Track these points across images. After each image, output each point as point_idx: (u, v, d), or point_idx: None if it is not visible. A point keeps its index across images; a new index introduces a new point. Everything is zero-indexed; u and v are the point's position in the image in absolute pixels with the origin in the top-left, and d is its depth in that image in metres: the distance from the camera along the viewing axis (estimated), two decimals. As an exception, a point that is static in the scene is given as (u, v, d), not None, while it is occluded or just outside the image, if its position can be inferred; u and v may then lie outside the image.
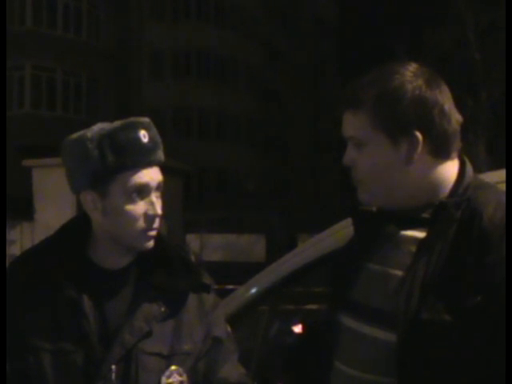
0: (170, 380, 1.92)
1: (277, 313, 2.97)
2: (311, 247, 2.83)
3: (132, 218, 1.90)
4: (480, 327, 1.63)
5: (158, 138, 1.96)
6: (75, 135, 1.92)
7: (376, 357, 1.76)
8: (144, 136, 1.90)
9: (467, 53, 24.45)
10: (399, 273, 1.76)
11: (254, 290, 2.86)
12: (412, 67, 1.83)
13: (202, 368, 2.00)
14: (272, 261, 3.03)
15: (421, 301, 1.68)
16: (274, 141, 45.03)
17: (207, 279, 2.05)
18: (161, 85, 40.23)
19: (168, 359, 1.93)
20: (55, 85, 34.07)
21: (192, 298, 2.01)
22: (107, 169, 1.86)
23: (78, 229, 2.01)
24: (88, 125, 1.93)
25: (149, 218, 1.92)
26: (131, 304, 1.93)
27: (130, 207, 1.89)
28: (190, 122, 40.62)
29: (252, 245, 24.50)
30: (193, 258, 2.15)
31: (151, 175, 1.91)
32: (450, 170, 1.84)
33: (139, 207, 1.90)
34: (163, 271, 1.98)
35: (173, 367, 1.93)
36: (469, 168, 1.86)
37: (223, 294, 2.68)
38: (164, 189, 1.97)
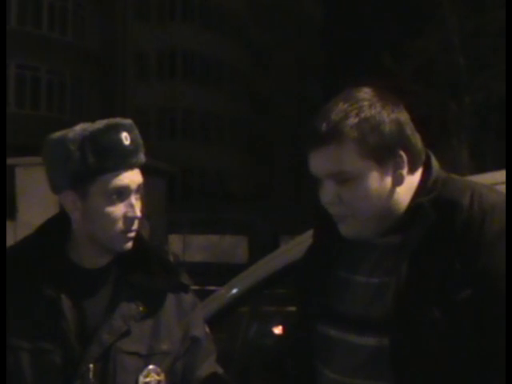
0: (148, 379, 1.93)
1: (257, 314, 2.98)
2: (293, 249, 2.83)
3: (111, 220, 1.91)
4: (470, 320, 1.64)
5: (140, 140, 1.96)
6: (56, 135, 1.92)
7: (369, 363, 1.75)
8: (126, 138, 1.90)
9: (451, 57, 24.53)
10: (385, 279, 1.75)
11: (234, 291, 2.86)
12: (372, 91, 1.79)
13: (180, 368, 2.01)
14: (254, 262, 3.03)
15: (409, 301, 1.68)
16: (258, 142, 45.01)
17: (185, 279, 2.06)
18: (145, 85, 40.15)
19: (146, 359, 1.93)
20: (39, 84, 33.89)
21: (170, 298, 2.02)
22: (88, 170, 1.87)
23: (57, 228, 2.01)
24: (72, 125, 1.93)
25: (128, 220, 1.92)
26: (110, 303, 1.93)
27: (109, 209, 1.90)
28: (175, 123, 40.60)
29: (235, 246, 24.43)
30: (171, 258, 2.15)
31: (132, 177, 1.92)
32: (417, 176, 1.83)
33: (119, 209, 1.91)
34: (142, 271, 1.99)
35: (150, 366, 1.93)
36: (434, 162, 1.84)
37: (205, 294, 2.69)
38: (147, 189, 1.97)
